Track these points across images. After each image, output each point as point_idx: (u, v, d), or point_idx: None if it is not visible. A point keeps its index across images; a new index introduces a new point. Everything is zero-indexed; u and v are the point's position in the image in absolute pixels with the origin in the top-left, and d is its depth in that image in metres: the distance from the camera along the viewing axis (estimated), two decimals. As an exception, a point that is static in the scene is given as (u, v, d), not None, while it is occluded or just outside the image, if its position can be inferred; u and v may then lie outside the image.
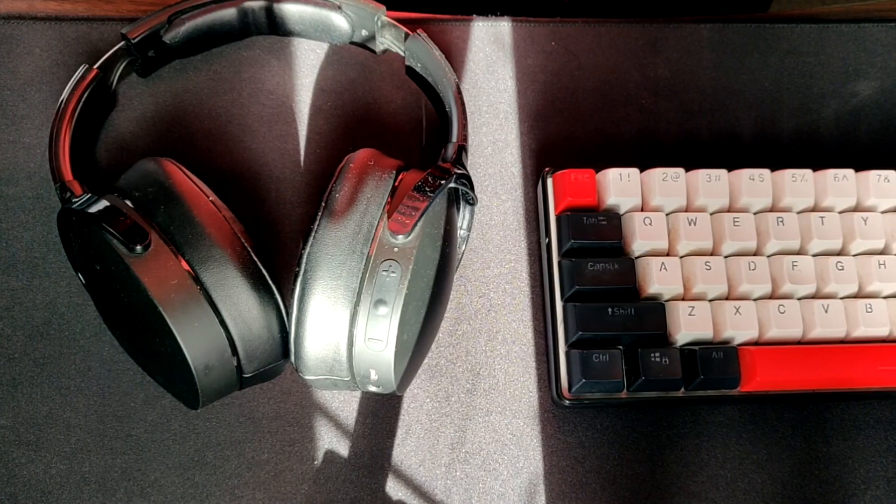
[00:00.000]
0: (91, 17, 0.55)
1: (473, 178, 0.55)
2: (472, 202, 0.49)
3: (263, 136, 0.54)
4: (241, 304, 0.43)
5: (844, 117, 0.59)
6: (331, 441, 0.50)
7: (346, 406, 0.51)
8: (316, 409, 0.51)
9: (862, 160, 0.56)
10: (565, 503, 0.51)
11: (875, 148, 0.58)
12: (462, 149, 0.49)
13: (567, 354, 0.51)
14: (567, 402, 0.51)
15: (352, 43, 0.56)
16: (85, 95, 0.49)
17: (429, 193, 0.44)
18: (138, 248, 0.42)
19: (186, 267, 0.42)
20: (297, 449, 0.50)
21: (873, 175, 0.54)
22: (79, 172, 0.47)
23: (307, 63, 0.56)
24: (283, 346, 0.45)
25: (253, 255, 0.44)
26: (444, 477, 0.50)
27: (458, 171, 0.46)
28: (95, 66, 0.50)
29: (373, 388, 0.45)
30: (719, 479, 0.52)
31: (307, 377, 0.45)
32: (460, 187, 0.46)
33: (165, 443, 0.49)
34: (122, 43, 0.51)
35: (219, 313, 0.42)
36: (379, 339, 0.43)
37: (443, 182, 0.45)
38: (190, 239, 0.42)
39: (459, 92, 0.51)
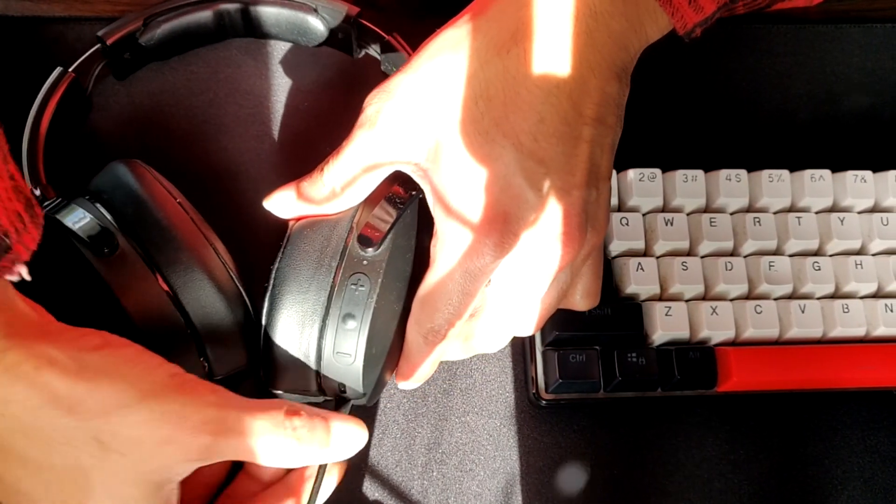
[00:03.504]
0: (67, 18, 0.55)
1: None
2: None
3: (240, 137, 0.54)
4: (209, 307, 0.43)
5: (821, 117, 0.59)
6: (307, 442, 0.50)
7: (323, 406, 0.51)
8: (292, 410, 0.50)
9: (838, 160, 0.55)
10: (542, 503, 0.51)
11: (852, 148, 0.58)
12: None
13: (544, 354, 0.51)
14: (544, 402, 0.51)
15: (329, 45, 0.56)
16: (60, 99, 0.49)
17: (399, 205, 0.44)
18: (105, 251, 0.42)
19: (153, 270, 0.42)
20: (273, 450, 0.50)
21: (850, 175, 0.54)
22: (53, 175, 0.47)
23: (284, 64, 0.56)
24: (254, 349, 0.45)
25: (220, 256, 0.44)
26: (421, 477, 0.50)
27: None
28: (71, 70, 0.50)
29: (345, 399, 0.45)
30: (696, 479, 0.52)
31: (276, 391, 0.45)
32: None
33: (141, 444, 0.49)
34: (98, 45, 0.51)
35: (186, 316, 0.42)
36: (347, 352, 0.43)
37: (414, 193, 0.45)
38: (157, 242, 0.42)
39: None
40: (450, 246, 0.42)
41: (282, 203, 0.46)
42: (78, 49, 0.51)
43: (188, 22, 0.53)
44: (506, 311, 0.43)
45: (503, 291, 0.43)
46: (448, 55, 0.41)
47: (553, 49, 0.40)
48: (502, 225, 0.40)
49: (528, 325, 0.44)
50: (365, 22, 0.53)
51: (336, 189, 0.45)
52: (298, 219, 0.46)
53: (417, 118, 0.42)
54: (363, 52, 0.56)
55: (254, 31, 0.55)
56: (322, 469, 0.45)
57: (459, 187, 0.41)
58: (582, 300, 0.46)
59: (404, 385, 0.46)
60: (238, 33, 0.55)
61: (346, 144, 0.44)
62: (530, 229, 0.40)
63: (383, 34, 0.53)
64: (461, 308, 0.42)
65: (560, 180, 0.40)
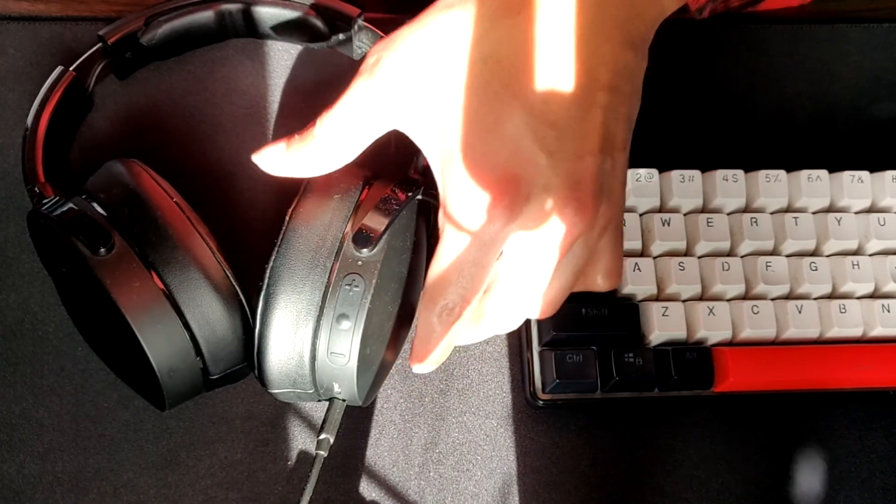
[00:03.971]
0: (65, 17, 0.55)
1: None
2: None
3: (237, 136, 0.54)
4: (205, 306, 0.43)
5: (818, 118, 0.59)
6: (304, 441, 0.50)
7: (320, 406, 0.51)
8: (289, 409, 0.51)
9: (835, 161, 0.56)
10: (539, 503, 0.51)
11: (848, 148, 0.58)
12: None
13: (541, 354, 0.51)
14: (541, 402, 0.51)
15: (329, 47, 0.56)
16: (61, 97, 0.49)
17: (395, 206, 0.44)
18: (102, 250, 0.42)
19: (149, 269, 0.42)
20: (270, 449, 0.50)
21: (847, 176, 0.54)
22: (52, 174, 0.47)
23: (281, 64, 0.56)
24: (250, 348, 0.45)
25: (216, 255, 0.44)
26: (418, 477, 0.50)
27: (428, 183, 0.46)
28: (72, 69, 0.50)
29: (338, 400, 0.45)
30: (693, 479, 0.52)
31: (271, 391, 0.45)
32: (429, 199, 0.46)
33: (139, 442, 0.49)
34: (99, 45, 0.51)
35: (182, 315, 0.42)
36: (341, 353, 0.43)
37: (410, 194, 0.45)
38: (153, 241, 0.43)
39: None
40: (458, 214, 0.40)
41: (270, 157, 0.45)
42: (76, 48, 0.51)
43: (189, 22, 0.53)
44: (518, 285, 0.42)
45: (515, 264, 0.41)
46: (457, 13, 0.40)
47: (565, 13, 0.39)
48: (514, 187, 0.39)
49: (541, 302, 0.43)
50: (367, 23, 0.53)
51: (328, 142, 0.43)
52: (294, 214, 0.45)
53: (420, 73, 0.41)
54: (364, 54, 0.56)
55: (255, 31, 0.55)
56: (320, 461, 0.45)
57: (466, 150, 0.40)
58: (603, 280, 0.44)
59: (418, 368, 0.44)
60: (239, 33, 0.55)
61: (341, 94, 0.43)
62: (541, 194, 0.39)
63: (384, 36, 0.53)
64: (475, 282, 0.41)
65: (572, 145, 0.39)
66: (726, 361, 0.50)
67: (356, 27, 0.54)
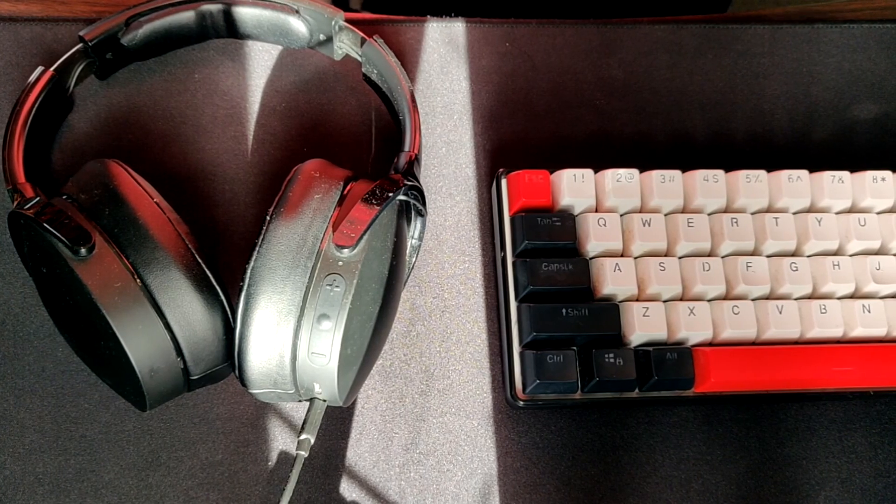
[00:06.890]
0: (45, 18, 0.55)
1: (427, 179, 0.55)
2: (422, 214, 0.49)
3: (217, 137, 0.54)
4: (186, 306, 0.43)
5: (798, 118, 0.59)
6: (285, 442, 0.50)
7: (300, 407, 0.51)
8: (270, 410, 0.51)
9: (816, 161, 0.56)
10: (519, 504, 0.51)
11: (829, 149, 0.58)
12: (414, 160, 0.49)
13: (521, 355, 0.51)
14: (521, 402, 0.51)
15: (310, 47, 0.56)
16: (41, 98, 0.49)
17: (376, 206, 0.44)
18: (82, 250, 0.42)
19: (130, 269, 0.42)
20: (251, 450, 0.50)
21: (827, 176, 0.54)
22: (32, 174, 0.47)
23: (262, 65, 0.56)
24: (230, 348, 0.45)
25: (196, 256, 0.44)
26: (398, 478, 0.50)
27: (408, 183, 0.46)
28: (52, 69, 0.50)
29: (319, 400, 0.45)
30: (673, 480, 0.52)
31: (251, 391, 0.45)
32: (410, 199, 0.46)
33: (120, 443, 0.49)
34: (80, 45, 0.51)
35: (162, 315, 0.42)
36: (322, 353, 0.43)
37: (391, 194, 0.45)
38: (134, 241, 0.43)
39: (414, 101, 0.51)
40: None
41: None
42: (57, 49, 0.51)
43: (170, 22, 0.53)
44: None
45: None
46: None
47: None
48: None
49: None
50: (347, 24, 0.53)
51: None
52: (274, 214, 0.45)
53: None
54: (344, 55, 0.56)
55: (235, 32, 0.55)
56: (300, 462, 0.45)
57: None
58: None
59: None
60: (220, 34, 0.55)
61: None
62: None
63: (365, 36, 0.53)
64: None
65: None
66: (707, 362, 0.50)
67: (336, 28, 0.54)
